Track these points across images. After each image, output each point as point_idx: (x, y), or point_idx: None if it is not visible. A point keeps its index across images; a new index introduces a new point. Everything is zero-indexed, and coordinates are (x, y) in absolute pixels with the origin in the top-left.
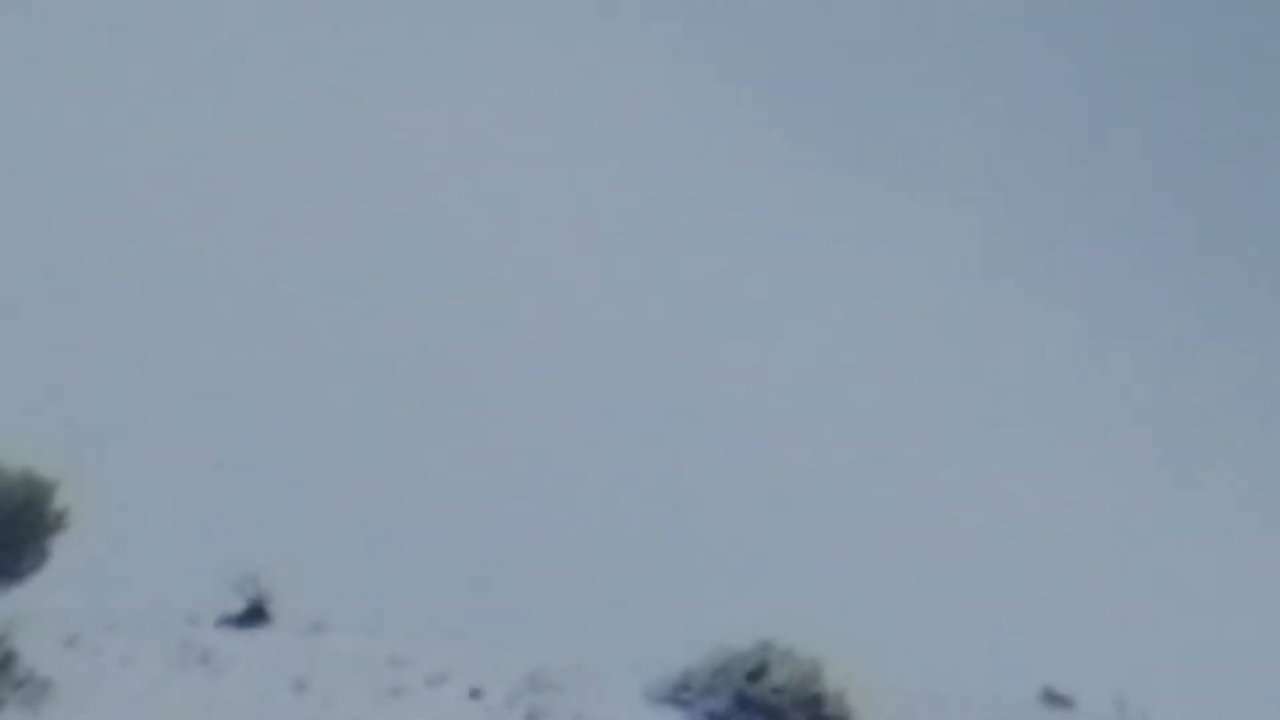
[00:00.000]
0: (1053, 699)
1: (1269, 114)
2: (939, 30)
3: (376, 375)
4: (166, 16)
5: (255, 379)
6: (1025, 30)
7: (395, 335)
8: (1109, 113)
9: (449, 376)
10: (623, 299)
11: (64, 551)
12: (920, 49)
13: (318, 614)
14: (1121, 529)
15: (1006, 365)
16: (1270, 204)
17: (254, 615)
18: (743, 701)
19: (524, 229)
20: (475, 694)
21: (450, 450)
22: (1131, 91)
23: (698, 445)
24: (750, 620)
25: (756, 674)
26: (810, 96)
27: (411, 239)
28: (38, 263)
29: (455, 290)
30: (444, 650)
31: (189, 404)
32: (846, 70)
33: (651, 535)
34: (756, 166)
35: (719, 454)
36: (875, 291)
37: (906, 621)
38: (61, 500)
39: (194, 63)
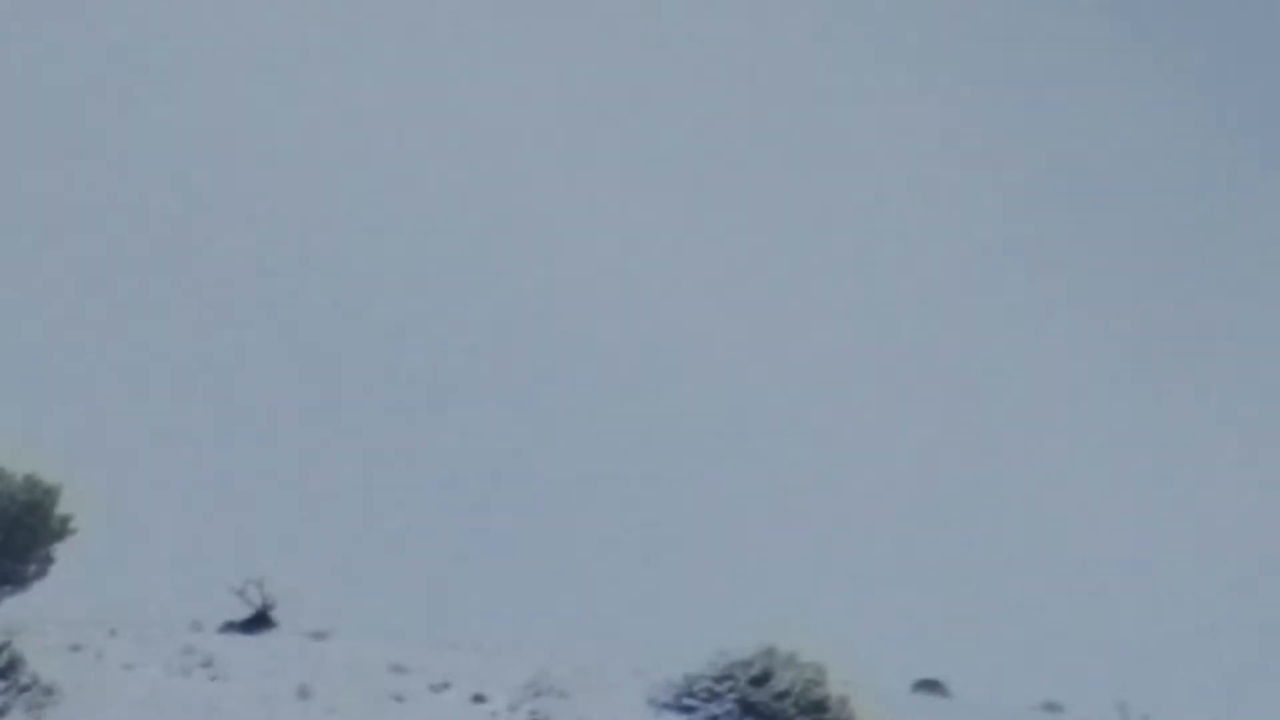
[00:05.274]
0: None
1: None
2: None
3: (379, 383)
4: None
5: (258, 387)
6: None
7: (398, 344)
8: None
9: (451, 384)
10: (624, 303)
11: (67, 557)
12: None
13: (321, 620)
14: (1124, 530)
15: (1005, 367)
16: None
17: (258, 621)
18: (746, 707)
19: (515, 229)
20: (478, 699)
21: (452, 457)
22: None
23: (700, 450)
24: (754, 625)
25: (760, 679)
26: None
27: (415, 247)
28: (39, 268)
29: (455, 297)
30: (446, 656)
31: (193, 411)
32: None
33: (654, 541)
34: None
35: (721, 459)
36: (874, 297)
37: (907, 625)
38: (65, 506)
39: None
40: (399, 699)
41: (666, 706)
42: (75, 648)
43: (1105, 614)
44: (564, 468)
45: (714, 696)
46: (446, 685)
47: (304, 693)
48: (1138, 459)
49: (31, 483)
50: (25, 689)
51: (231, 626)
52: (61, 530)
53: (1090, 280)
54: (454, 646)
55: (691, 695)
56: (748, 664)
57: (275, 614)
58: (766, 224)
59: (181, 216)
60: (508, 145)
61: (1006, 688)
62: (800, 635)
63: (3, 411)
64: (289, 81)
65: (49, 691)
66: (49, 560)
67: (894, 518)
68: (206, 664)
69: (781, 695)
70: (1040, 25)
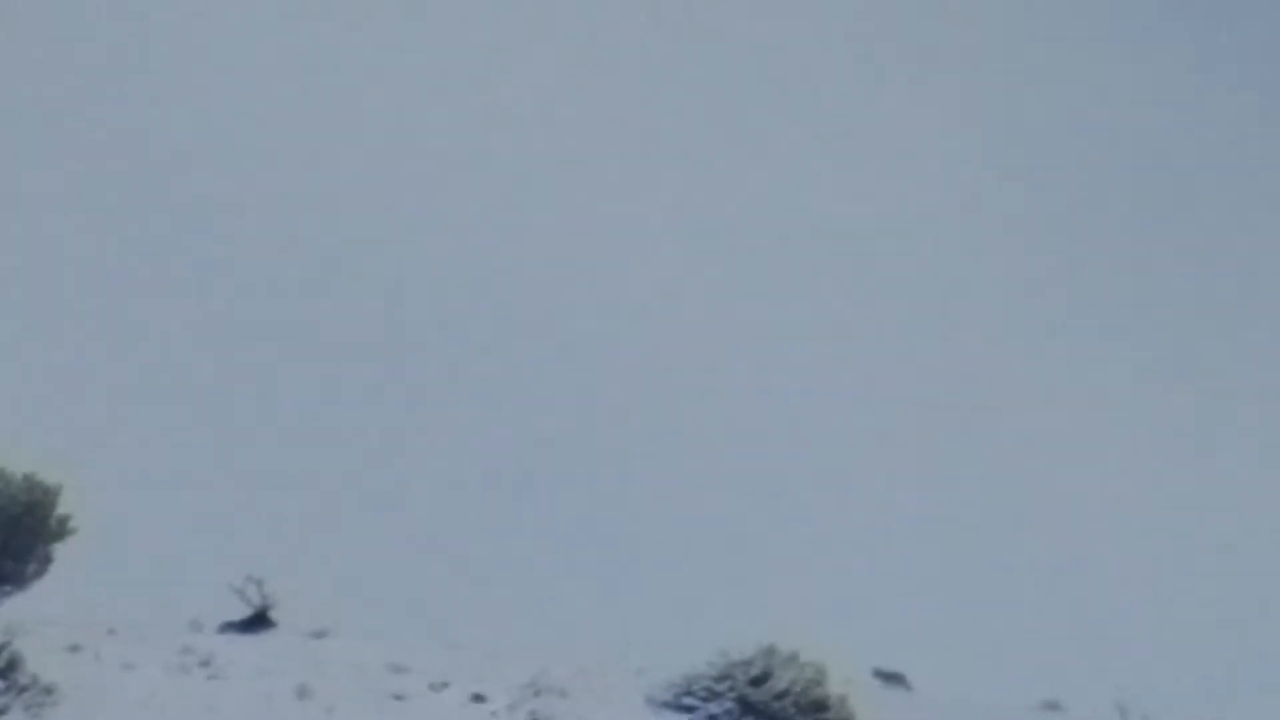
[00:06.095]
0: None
1: None
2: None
3: (375, 380)
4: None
5: (256, 384)
6: None
7: (399, 343)
8: None
9: (452, 383)
10: (621, 304)
11: (67, 557)
12: None
13: (320, 620)
14: (1124, 530)
15: (1005, 367)
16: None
17: (257, 621)
18: (746, 707)
19: (516, 229)
20: (478, 699)
21: (452, 457)
22: None
23: (700, 448)
24: (754, 625)
25: (760, 679)
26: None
27: (414, 246)
28: (38, 267)
29: (453, 298)
30: (446, 656)
31: (191, 409)
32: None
33: (654, 539)
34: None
35: (721, 457)
36: (872, 296)
37: (907, 624)
38: (64, 506)
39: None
40: (399, 698)
41: (666, 706)
42: (74, 648)
43: (1105, 614)
44: (563, 468)
45: (713, 696)
46: (446, 685)
47: (303, 693)
48: (1139, 458)
49: (31, 483)
50: (24, 689)
51: (230, 626)
52: (61, 530)
53: (1089, 282)
54: (454, 646)
55: (691, 695)
56: (747, 664)
57: (275, 614)
58: (767, 225)
59: (182, 215)
60: (511, 144)
61: (1006, 687)
62: (800, 634)
63: (3, 411)
64: (288, 81)
65: (48, 692)
66: (48, 560)
67: (894, 518)
68: (205, 664)
69: (781, 695)
70: (1044, 25)
